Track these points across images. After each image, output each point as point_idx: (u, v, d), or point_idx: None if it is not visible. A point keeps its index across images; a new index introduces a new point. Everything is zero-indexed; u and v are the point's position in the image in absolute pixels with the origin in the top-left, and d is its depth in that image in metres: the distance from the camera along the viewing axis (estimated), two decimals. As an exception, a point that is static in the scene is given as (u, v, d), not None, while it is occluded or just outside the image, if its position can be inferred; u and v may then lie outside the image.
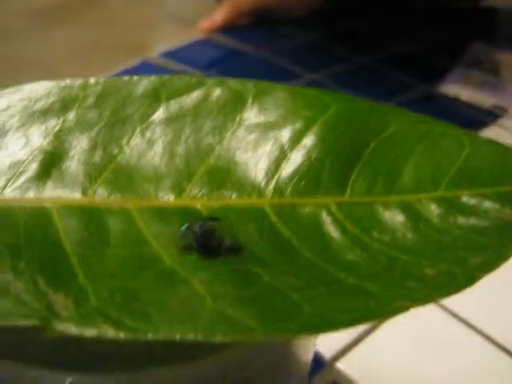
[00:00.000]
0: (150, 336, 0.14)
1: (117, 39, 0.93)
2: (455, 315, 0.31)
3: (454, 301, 0.31)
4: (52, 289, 0.15)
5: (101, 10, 1.03)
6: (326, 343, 0.29)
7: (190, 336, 0.14)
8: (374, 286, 0.16)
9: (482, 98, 0.44)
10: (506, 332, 0.30)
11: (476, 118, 0.43)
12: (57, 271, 0.16)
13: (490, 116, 0.44)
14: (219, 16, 0.52)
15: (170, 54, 0.49)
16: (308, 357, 0.21)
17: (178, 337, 0.14)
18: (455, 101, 0.45)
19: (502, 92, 0.44)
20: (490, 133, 0.42)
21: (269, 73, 0.48)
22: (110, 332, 0.14)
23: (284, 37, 0.52)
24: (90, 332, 0.14)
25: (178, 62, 0.48)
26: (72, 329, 0.14)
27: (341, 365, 0.28)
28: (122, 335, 0.14)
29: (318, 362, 0.29)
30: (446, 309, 0.31)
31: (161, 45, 0.53)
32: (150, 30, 0.93)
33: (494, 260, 0.17)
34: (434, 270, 0.17)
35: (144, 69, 0.46)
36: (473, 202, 0.19)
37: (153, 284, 0.16)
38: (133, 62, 0.48)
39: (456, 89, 0.45)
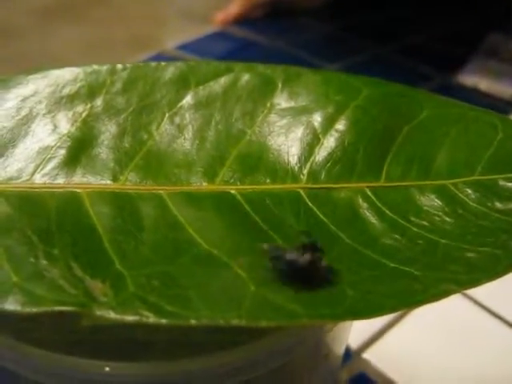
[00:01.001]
0: (192, 322, 0.14)
1: (125, 35, 0.93)
2: (480, 304, 0.30)
3: (478, 290, 0.31)
4: (89, 275, 0.15)
5: (108, 7, 1.03)
6: (353, 334, 0.29)
7: (234, 321, 0.14)
8: (416, 269, 0.16)
9: (501, 88, 0.44)
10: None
11: (495, 108, 0.42)
12: (92, 257, 0.16)
13: (510, 106, 0.43)
14: (234, 8, 0.51)
15: (186, 47, 0.48)
16: (341, 349, 0.20)
17: (221, 322, 0.14)
18: (474, 91, 0.44)
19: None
20: (510, 123, 0.41)
21: (284, 64, 0.48)
22: (150, 318, 0.14)
23: (299, 28, 0.52)
24: (130, 318, 0.14)
25: (193, 54, 0.48)
26: (112, 315, 0.14)
27: (367, 355, 0.28)
28: (163, 321, 0.14)
29: (345, 354, 0.28)
30: (470, 298, 0.31)
31: (170, 40, 0.53)
32: (159, 25, 0.93)
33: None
34: (476, 253, 0.16)
35: (160, 60, 0.45)
36: (509, 185, 0.19)
37: (191, 268, 0.15)
38: (148, 55, 0.47)
39: (474, 79, 0.44)
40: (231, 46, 0.49)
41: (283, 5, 0.53)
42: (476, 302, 0.31)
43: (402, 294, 0.15)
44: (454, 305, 0.30)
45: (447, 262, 0.16)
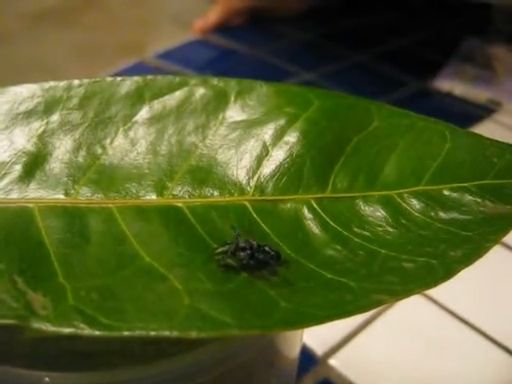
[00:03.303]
0: (124, 333, 0.14)
1: (116, 40, 0.93)
2: (446, 309, 0.31)
3: (443, 294, 0.31)
4: (31, 288, 0.15)
5: (99, 12, 1.04)
6: (319, 340, 0.30)
7: (165, 333, 0.14)
8: (351, 280, 0.16)
9: (476, 93, 0.44)
10: (496, 325, 0.30)
11: (470, 113, 0.43)
12: (37, 271, 0.16)
13: (485, 111, 0.44)
14: (213, 16, 0.52)
15: (165, 55, 0.49)
16: (294, 353, 0.21)
17: (152, 334, 0.14)
18: (449, 96, 0.44)
19: (495, 86, 0.44)
20: (485, 128, 0.41)
21: (264, 72, 0.48)
22: (85, 330, 0.14)
23: (278, 36, 0.52)
24: (66, 330, 0.14)
25: (172, 62, 0.48)
26: (49, 327, 0.14)
27: (333, 361, 0.28)
28: (97, 333, 0.14)
29: (311, 359, 0.29)
30: (436, 302, 0.31)
31: (160, 46, 0.53)
32: (148, 31, 0.94)
33: (473, 252, 0.17)
34: (413, 263, 0.17)
35: (139, 70, 0.46)
36: (454, 195, 0.19)
37: (131, 281, 0.16)
38: (127, 64, 0.48)
39: (449, 84, 0.45)
40: (210, 54, 0.49)
41: (262, 13, 0.53)
42: (442, 306, 0.31)
43: (333, 305, 0.15)
44: (419, 311, 0.31)
45: (384, 273, 0.17)
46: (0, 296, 0.15)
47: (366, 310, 0.15)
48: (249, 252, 0.16)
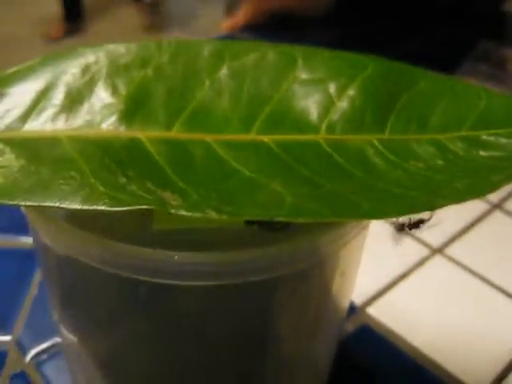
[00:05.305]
0: (246, 217, 0.18)
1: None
2: (469, 269, 0.35)
3: (469, 258, 0.35)
4: (160, 189, 0.19)
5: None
6: (357, 292, 0.33)
7: (278, 217, 0.18)
8: (417, 194, 0.20)
9: (489, 90, 0.48)
10: None
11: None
12: (159, 180, 0.20)
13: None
14: (241, 15, 0.56)
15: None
16: (354, 272, 0.24)
17: (269, 217, 0.18)
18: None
19: (508, 85, 0.48)
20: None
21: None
22: (213, 215, 0.18)
23: (301, 36, 0.56)
24: (198, 214, 0.18)
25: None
26: (183, 212, 0.18)
27: (371, 310, 0.32)
28: (223, 217, 0.18)
29: (351, 308, 0.32)
30: (460, 264, 0.35)
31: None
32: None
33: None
34: (463, 184, 0.21)
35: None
36: (491, 139, 0.23)
37: (239, 187, 0.19)
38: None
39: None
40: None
41: (287, 13, 0.57)
42: (466, 268, 0.35)
43: (406, 206, 0.19)
44: (445, 271, 0.35)
45: (440, 189, 0.20)
46: (137, 192, 0.19)
47: (431, 210, 0.19)
48: None
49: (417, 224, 0.27)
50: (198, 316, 0.20)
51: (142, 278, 0.18)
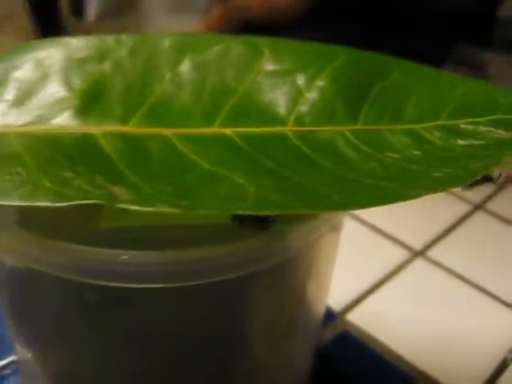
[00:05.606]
0: (203, 211, 0.16)
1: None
2: (450, 271, 0.33)
3: (449, 258, 0.33)
4: (111, 184, 0.17)
5: None
6: (336, 299, 0.31)
7: (241, 210, 0.16)
8: (391, 184, 0.19)
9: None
10: (497, 284, 0.33)
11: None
12: (111, 174, 0.18)
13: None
14: (210, 22, 0.54)
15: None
16: (328, 270, 0.23)
17: (229, 211, 0.16)
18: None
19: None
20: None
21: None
22: (166, 208, 0.16)
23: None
24: (148, 209, 0.16)
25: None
26: (134, 207, 0.16)
27: (350, 316, 0.30)
28: (178, 210, 0.16)
29: (329, 315, 0.30)
30: (441, 265, 0.34)
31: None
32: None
33: (492, 163, 0.19)
34: (441, 174, 0.19)
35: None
36: (470, 127, 0.22)
37: (198, 180, 0.18)
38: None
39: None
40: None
41: (258, 21, 0.56)
42: (447, 269, 0.33)
43: (377, 196, 0.18)
44: (426, 274, 0.33)
45: (417, 180, 0.19)
46: (83, 187, 0.17)
47: (407, 199, 0.18)
48: None
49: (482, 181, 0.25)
50: (158, 320, 0.19)
51: (88, 280, 0.17)
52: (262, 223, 0.19)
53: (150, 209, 0.16)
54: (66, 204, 0.16)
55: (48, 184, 0.17)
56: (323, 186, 0.18)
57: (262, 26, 0.56)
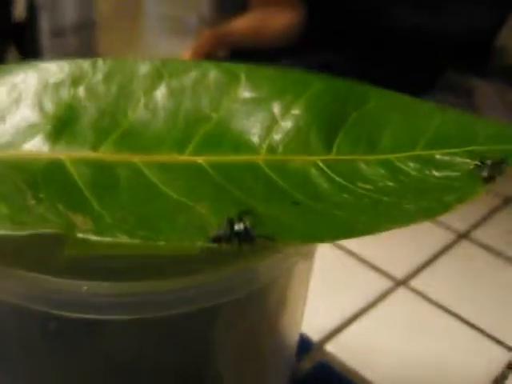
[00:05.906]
0: (161, 242, 0.16)
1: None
2: (431, 301, 0.33)
3: (431, 289, 0.33)
4: (71, 212, 0.17)
5: None
6: (315, 329, 0.31)
7: (199, 241, 0.16)
8: (362, 216, 0.18)
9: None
10: (478, 315, 0.32)
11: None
12: (73, 202, 0.18)
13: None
14: (198, 48, 0.54)
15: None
16: (298, 304, 0.22)
17: (186, 243, 0.16)
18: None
19: (475, 114, 0.46)
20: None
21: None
22: (125, 239, 0.16)
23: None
24: (107, 239, 0.16)
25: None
26: (92, 237, 0.16)
27: (329, 347, 0.30)
28: (137, 241, 0.16)
29: (308, 345, 0.30)
30: (429, 299, 0.33)
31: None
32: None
33: (467, 195, 0.19)
34: (414, 205, 0.19)
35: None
36: (446, 158, 0.21)
37: (161, 210, 0.18)
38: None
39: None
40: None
41: (246, 47, 0.56)
42: (432, 302, 0.33)
43: (346, 228, 0.17)
44: (407, 304, 0.33)
45: (389, 212, 0.19)
46: (44, 215, 0.17)
47: (376, 232, 0.17)
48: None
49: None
50: (120, 349, 0.18)
51: (44, 310, 0.16)
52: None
53: (109, 239, 0.16)
54: (24, 233, 0.16)
55: (6, 211, 0.17)
56: (289, 217, 0.18)
57: (250, 51, 0.56)
